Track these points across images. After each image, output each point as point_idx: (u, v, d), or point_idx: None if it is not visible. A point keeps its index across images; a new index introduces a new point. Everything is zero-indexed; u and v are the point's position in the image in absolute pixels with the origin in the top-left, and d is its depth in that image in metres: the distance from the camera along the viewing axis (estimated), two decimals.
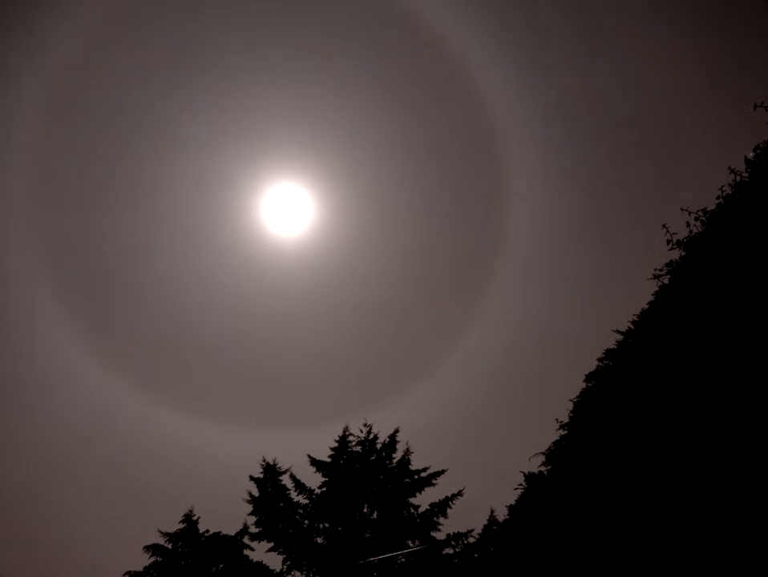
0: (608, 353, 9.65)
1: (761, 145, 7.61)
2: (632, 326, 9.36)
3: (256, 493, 20.36)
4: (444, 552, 19.26)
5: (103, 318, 40.77)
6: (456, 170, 43.63)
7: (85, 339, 37.46)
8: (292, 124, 42.47)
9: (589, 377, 9.96)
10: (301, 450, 21.48)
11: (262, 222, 42.30)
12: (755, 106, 7.83)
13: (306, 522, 19.93)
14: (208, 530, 20.44)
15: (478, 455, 33.02)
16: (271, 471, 20.61)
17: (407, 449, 20.68)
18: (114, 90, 41.31)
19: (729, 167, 7.87)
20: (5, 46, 36.33)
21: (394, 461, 20.63)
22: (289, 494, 20.40)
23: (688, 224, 8.30)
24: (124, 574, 19.54)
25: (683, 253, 8.45)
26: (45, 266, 38.86)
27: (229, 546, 20.14)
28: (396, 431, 21.00)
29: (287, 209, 41.51)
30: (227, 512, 22.19)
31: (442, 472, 20.38)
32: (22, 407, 36.39)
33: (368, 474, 20.33)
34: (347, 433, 21.08)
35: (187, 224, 44.05)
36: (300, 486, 20.45)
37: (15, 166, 37.63)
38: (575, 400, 10.15)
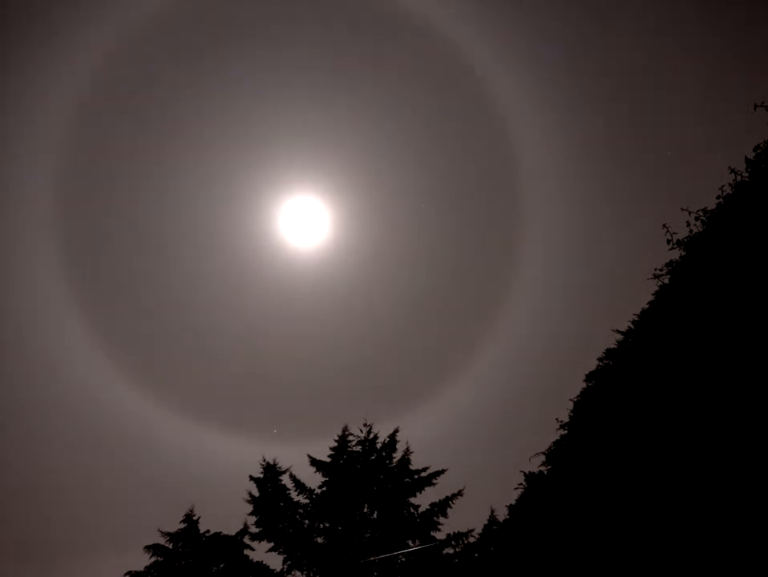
0: (608, 352, 9.66)
1: (761, 145, 7.62)
2: (632, 326, 9.37)
3: (256, 493, 20.32)
4: (444, 552, 19.22)
5: (122, 327, 41.08)
6: (472, 178, 43.77)
7: (95, 341, 37.66)
8: (309, 138, 42.79)
9: (589, 377, 9.98)
10: (301, 450, 21.47)
11: (280, 234, 42.71)
12: (755, 106, 7.84)
13: (306, 521, 19.90)
14: (208, 530, 20.43)
15: (479, 455, 33.07)
16: (271, 471, 20.57)
17: (407, 448, 20.63)
18: (140, 103, 41.75)
19: (729, 167, 7.88)
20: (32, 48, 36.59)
21: (394, 460, 20.58)
22: (289, 493, 20.36)
23: (688, 224, 8.31)
24: (125, 574, 19.55)
25: (683, 253, 8.46)
26: (66, 272, 39.20)
27: (230, 546, 20.12)
28: (396, 431, 20.94)
29: (304, 221, 41.98)
30: (227, 512, 22.21)
31: (442, 472, 20.34)
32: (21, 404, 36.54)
33: (368, 473, 20.28)
34: (347, 432, 20.99)
35: (206, 236, 44.38)
36: (300, 486, 20.41)
37: (39, 173, 37.92)
38: (575, 400, 10.17)
